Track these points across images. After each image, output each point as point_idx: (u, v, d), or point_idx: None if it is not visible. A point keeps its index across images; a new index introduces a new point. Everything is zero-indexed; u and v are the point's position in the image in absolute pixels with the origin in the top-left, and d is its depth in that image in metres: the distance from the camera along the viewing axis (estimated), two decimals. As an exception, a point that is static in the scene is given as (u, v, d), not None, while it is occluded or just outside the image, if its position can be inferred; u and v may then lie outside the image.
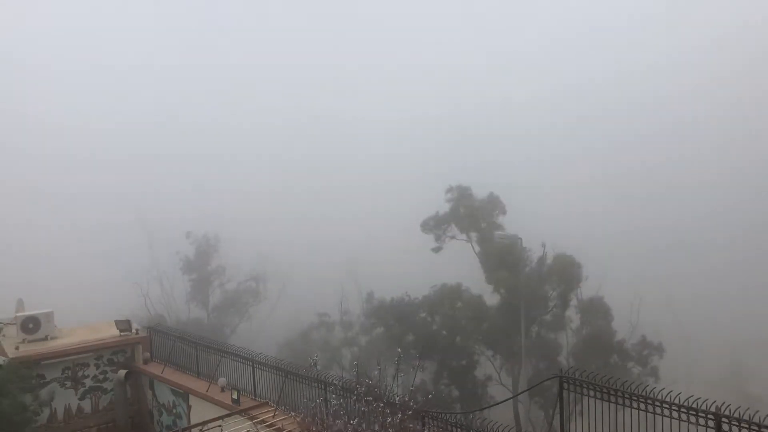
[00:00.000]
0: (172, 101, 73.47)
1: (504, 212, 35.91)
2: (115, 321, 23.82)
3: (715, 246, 54.24)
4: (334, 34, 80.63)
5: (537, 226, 36.52)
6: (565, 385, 11.64)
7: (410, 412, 12.07)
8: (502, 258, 32.36)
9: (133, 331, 23.42)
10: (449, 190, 36.80)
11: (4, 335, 22.42)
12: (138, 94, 73.51)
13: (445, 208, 36.81)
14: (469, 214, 35.74)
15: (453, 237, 36.46)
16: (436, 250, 36.57)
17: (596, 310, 33.21)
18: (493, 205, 36.03)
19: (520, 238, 28.14)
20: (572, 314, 34.33)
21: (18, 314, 22.90)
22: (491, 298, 33.99)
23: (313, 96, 75.93)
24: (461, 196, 36.42)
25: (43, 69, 73.00)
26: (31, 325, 22.38)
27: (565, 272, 32.59)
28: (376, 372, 13.03)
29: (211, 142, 71.73)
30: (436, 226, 36.50)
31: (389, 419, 11.79)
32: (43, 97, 71.09)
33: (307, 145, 73.37)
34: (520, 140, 67.94)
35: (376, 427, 11.84)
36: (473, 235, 35.98)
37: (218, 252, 45.69)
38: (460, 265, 36.42)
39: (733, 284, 48.36)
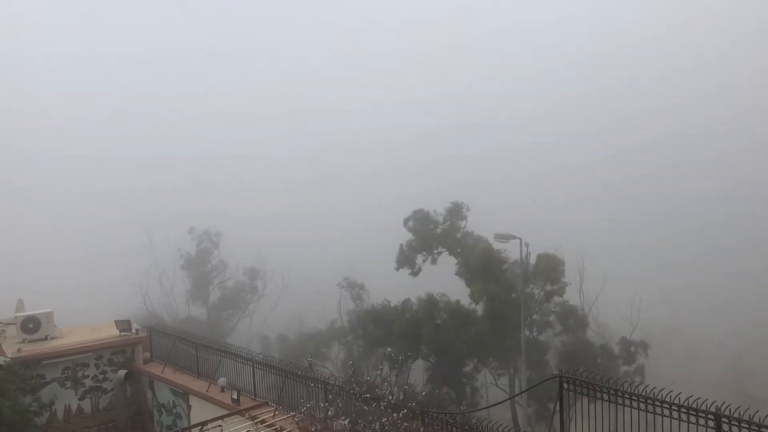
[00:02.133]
0: (170, 101, 73.54)
1: (463, 218, 35.41)
2: (115, 321, 23.81)
3: (715, 246, 54.32)
4: (332, 27, 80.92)
5: (537, 225, 36.56)
6: (565, 386, 11.64)
7: (405, 411, 12.05)
8: (484, 265, 32.28)
9: (133, 331, 23.40)
10: (407, 219, 36.01)
11: (5, 336, 22.37)
12: (137, 94, 73.60)
13: (407, 235, 36.29)
14: (441, 233, 35.35)
15: (429, 258, 35.95)
16: (416, 273, 36.19)
17: (572, 314, 33.06)
18: (457, 213, 35.63)
19: (520, 239, 28.00)
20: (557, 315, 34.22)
21: (18, 314, 22.90)
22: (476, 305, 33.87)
23: (314, 94, 76.19)
24: (422, 220, 35.86)
25: (40, 68, 73.05)
26: (31, 325, 22.38)
27: (548, 271, 32.39)
28: (372, 371, 13.03)
29: (209, 141, 71.86)
30: (406, 259, 36.02)
31: (385, 419, 11.79)
32: (41, 97, 71.12)
33: (307, 142, 73.58)
34: (518, 138, 68.13)
35: (376, 426, 11.83)
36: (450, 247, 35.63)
37: (219, 248, 45.72)
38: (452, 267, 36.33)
39: (733, 283, 48.38)
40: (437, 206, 36.65)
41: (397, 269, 36.03)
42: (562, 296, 32.93)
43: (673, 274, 50.39)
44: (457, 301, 33.35)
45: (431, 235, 35.47)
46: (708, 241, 54.85)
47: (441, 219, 35.82)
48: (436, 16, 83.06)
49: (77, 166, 66.14)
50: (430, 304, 33.54)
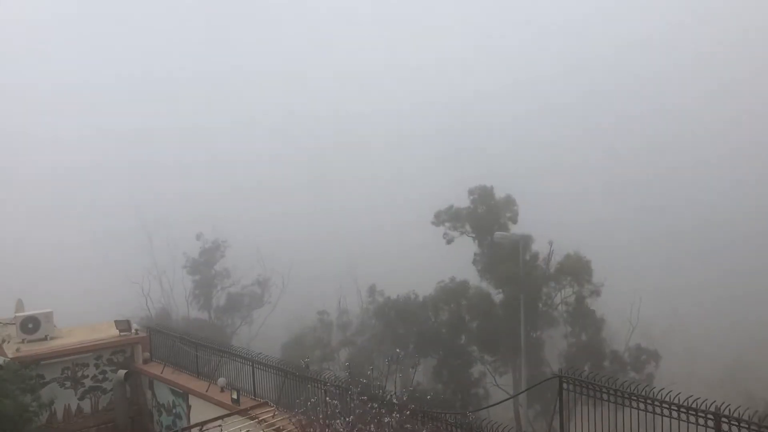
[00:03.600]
0: (168, 104, 73.50)
1: (516, 220, 35.42)
2: (115, 321, 23.80)
3: (716, 244, 54.36)
4: (328, 26, 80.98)
5: (537, 222, 36.50)
6: (565, 386, 11.64)
7: (407, 412, 12.05)
8: (506, 255, 32.33)
9: (133, 331, 23.40)
10: (472, 191, 36.08)
11: (8, 340, 22.33)
12: (134, 100, 73.48)
13: (459, 202, 36.24)
14: (488, 215, 35.29)
15: (464, 233, 36.02)
16: (449, 240, 36.18)
17: (588, 314, 33.17)
18: (508, 207, 35.70)
19: (528, 235, 27.97)
20: (573, 315, 34.24)
21: (17, 314, 22.90)
22: (497, 296, 33.97)
23: (313, 90, 76.13)
24: (483, 196, 35.90)
25: (40, 76, 72.85)
26: (30, 325, 22.36)
27: (577, 272, 32.50)
28: (371, 371, 13.04)
29: (209, 143, 71.86)
30: (449, 219, 36.00)
31: (387, 419, 11.78)
32: (41, 105, 71.06)
33: (307, 141, 73.51)
34: (522, 136, 68.23)
35: (372, 428, 11.82)
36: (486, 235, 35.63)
37: (225, 256, 45.70)
38: (466, 263, 36.28)
39: (734, 282, 48.37)
40: (439, 205, 36.73)
41: (435, 225, 35.90)
42: (598, 296, 33.05)
43: (673, 272, 50.41)
44: (488, 294, 33.39)
45: (489, 216, 35.15)
46: (708, 239, 54.88)
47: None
48: (436, 15, 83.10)
49: (78, 170, 66.14)
50: (461, 288, 33.42)
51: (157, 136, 69.73)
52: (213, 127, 74.10)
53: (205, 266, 45.13)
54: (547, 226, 36.37)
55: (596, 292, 32.89)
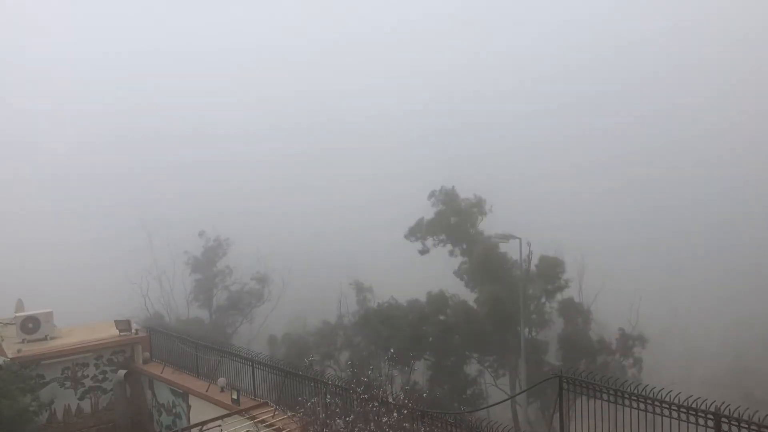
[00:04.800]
0: (168, 104, 73.44)
1: (485, 214, 35.12)
2: (115, 321, 23.81)
3: (716, 245, 54.40)
4: (330, 28, 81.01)
5: (536, 223, 36.53)
6: (565, 385, 11.62)
7: (405, 412, 12.06)
8: (486, 265, 32.36)
9: (133, 331, 23.40)
10: (432, 194, 35.74)
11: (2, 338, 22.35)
12: (135, 101, 73.43)
13: (429, 212, 36.03)
14: (456, 222, 35.12)
15: (440, 242, 35.95)
16: (423, 252, 36.21)
17: (573, 311, 33.24)
18: (479, 207, 35.52)
19: (518, 238, 27.97)
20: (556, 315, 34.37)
21: (17, 314, 22.90)
22: (487, 300, 33.91)
23: (313, 91, 76.15)
24: (447, 199, 35.67)
25: (37, 79, 72.86)
26: (30, 325, 22.38)
27: (548, 272, 32.59)
28: (372, 370, 13.04)
29: (210, 143, 71.85)
30: (421, 234, 35.91)
31: (385, 419, 11.78)
32: (41, 105, 71.08)
33: (305, 142, 73.56)
34: (518, 135, 68.29)
35: (373, 427, 11.82)
36: (460, 242, 35.55)
37: (227, 254, 45.65)
38: (456, 264, 36.29)
39: (733, 282, 48.39)
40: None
41: (410, 239, 35.84)
42: (560, 294, 33.16)
43: (673, 273, 50.41)
44: (465, 301, 33.43)
45: (453, 220, 34.91)
46: (709, 239, 54.91)
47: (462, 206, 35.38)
48: (437, 17, 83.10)
49: (79, 171, 66.18)
50: (440, 300, 33.49)
51: (158, 137, 69.70)
52: (213, 127, 74.13)
53: (207, 264, 45.09)
54: (547, 227, 36.47)
55: (560, 288, 32.94)
